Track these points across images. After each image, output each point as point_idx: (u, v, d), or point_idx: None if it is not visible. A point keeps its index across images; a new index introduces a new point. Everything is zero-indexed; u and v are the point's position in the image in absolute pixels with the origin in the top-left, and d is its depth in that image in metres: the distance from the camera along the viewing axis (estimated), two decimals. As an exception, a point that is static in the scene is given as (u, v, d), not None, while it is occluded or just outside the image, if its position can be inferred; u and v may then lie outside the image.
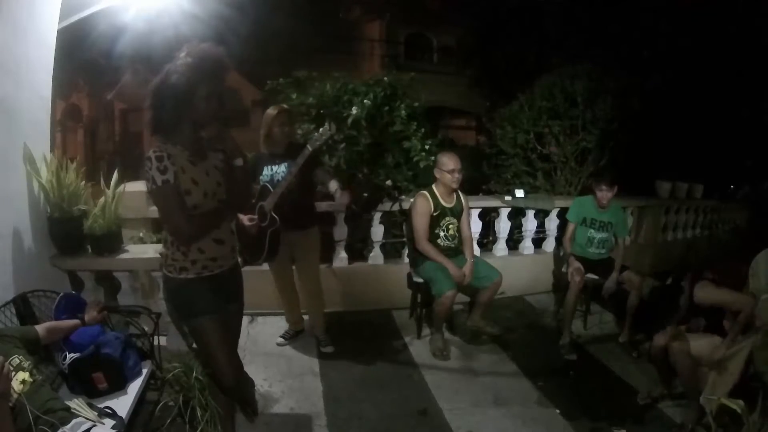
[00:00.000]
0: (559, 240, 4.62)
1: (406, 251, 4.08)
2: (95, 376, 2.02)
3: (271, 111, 3.14)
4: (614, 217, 3.68)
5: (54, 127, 2.95)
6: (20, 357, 1.77)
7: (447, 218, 3.42)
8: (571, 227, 3.74)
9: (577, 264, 3.58)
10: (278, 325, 3.65)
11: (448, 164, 3.34)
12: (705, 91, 6.92)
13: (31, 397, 1.67)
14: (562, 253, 3.96)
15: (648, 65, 6.74)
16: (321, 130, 2.94)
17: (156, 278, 2.83)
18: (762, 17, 6.61)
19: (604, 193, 3.56)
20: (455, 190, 3.47)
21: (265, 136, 3.14)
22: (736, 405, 2.08)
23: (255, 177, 3.10)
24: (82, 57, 9.26)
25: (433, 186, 3.44)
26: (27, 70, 2.53)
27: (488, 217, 4.68)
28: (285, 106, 3.38)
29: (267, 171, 3.10)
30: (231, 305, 1.99)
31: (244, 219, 2.88)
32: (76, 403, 1.83)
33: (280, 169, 3.07)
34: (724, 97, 7.13)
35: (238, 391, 2.04)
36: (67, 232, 2.72)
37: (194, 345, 1.97)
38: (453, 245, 3.44)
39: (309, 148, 2.89)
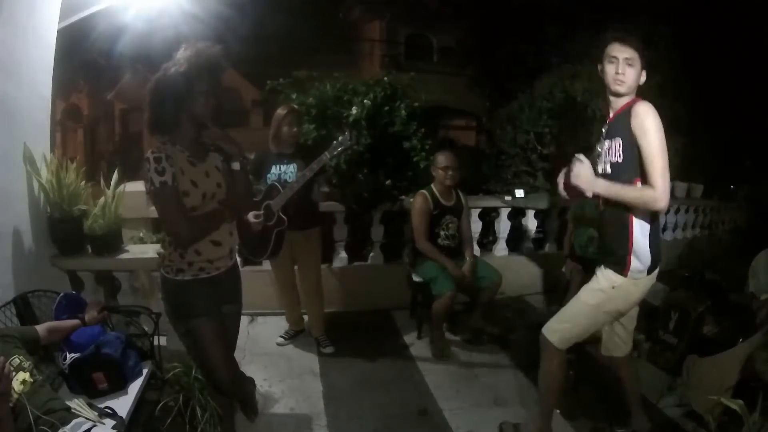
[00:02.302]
0: (559, 240, 4.62)
1: (406, 251, 4.08)
2: (95, 376, 2.02)
3: (281, 111, 3.15)
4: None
5: (54, 127, 2.95)
6: (20, 357, 1.77)
7: (447, 217, 3.43)
8: (571, 227, 3.73)
9: (575, 264, 3.58)
10: (278, 325, 3.65)
11: (442, 161, 3.38)
12: (704, 91, 6.92)
13: (32, 397, 1.67)
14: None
15: (648, 65, 6.74)
16: (341, 138, 2.94)
17: (156, 278, 2.82)
18: (762, 17, 6.61)
19: None
20: (455, 190, 3.48)
21: (273, 136, 3.15)
22: (736, 405, 2.08)
23: (261, 175, 3.12)
24: (82, 57, 9.26)
25: (432, 185, 3.45)
26: (27, 70, 2.52)
27: (488, 217, 4.68)
28: (295, 106, 3.40)
29: (275, 170, 3.11)
30: (228, 307, 1.99)
31: (250, 216, 2.89)
32: (77, 403, 1.83)
33: (288, 170, 3.09)
34: (723, 97, 7.13)
35: (233, 392, 2.04)
36: (67, 232, 2.72)
37: (190, 346, 1.96)
38: (453, 245, 3.45)
39: (327, 155, 2.91)
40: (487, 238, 4.77)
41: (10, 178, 2.42)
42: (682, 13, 6.86)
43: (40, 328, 2.01)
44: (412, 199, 3.56)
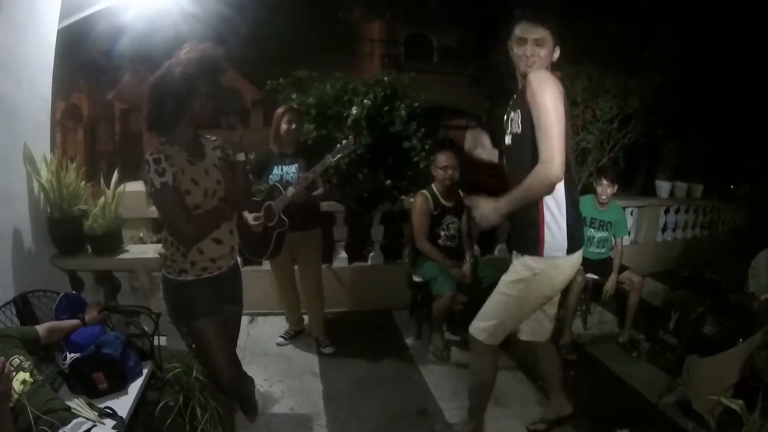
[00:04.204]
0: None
1: (406, 251, 4.08)
2: (95, 376, 2.02)
3: (280, 110, 3.17)
4: (614, 217, 3.68)
5: (54, 127, 2.95)
6: (21, 357, 1.77)
7: (447, 217, 3.43)
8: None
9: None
10: (278, 325, 3.65)
11: (442, 161, 3.38)
12: (705, 91, 6.92)
13: (32, 397, 1.67)
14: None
15: (648, 65, 6.76)
16: (344, 142, 2.96)
17: (156, 278, 2.83)
18: (762, 16, 6.61)
19: (604, 188, 3.53)
20: (456, 190, 3.48)
21: (274, 135, 3.16)
22: (736, 405, 2.08)
23: (263, 174, 3.12)
24: (82, 57, 9.24)
25: (433, 185, 3.45)
26: (27, 70, 2.52)
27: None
28: (294, 105, 3.40)
29: (276, 171, 3.12)
30: (230, 306, 2.00)
31: (249, 218, 2.89)
32: (77, 403, 1.83)
33: (290, 170, 3.10)
34: (723, 97, 7.13)
35: (237, 391, 2.04)
36: (67, 232, 2.71)
37: (193, 345, 1.96)
38: (453, 245, 3.45)
39: (330, 158, 2.92)
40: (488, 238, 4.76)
41: (10, 178, 2.42)
42: (682, 11, 6.85)
43: (40, 328, 2.01)
44: (412, 199, 3.56)
